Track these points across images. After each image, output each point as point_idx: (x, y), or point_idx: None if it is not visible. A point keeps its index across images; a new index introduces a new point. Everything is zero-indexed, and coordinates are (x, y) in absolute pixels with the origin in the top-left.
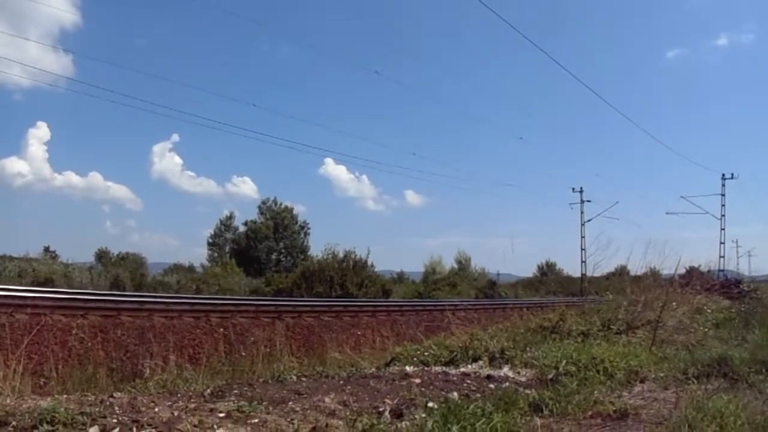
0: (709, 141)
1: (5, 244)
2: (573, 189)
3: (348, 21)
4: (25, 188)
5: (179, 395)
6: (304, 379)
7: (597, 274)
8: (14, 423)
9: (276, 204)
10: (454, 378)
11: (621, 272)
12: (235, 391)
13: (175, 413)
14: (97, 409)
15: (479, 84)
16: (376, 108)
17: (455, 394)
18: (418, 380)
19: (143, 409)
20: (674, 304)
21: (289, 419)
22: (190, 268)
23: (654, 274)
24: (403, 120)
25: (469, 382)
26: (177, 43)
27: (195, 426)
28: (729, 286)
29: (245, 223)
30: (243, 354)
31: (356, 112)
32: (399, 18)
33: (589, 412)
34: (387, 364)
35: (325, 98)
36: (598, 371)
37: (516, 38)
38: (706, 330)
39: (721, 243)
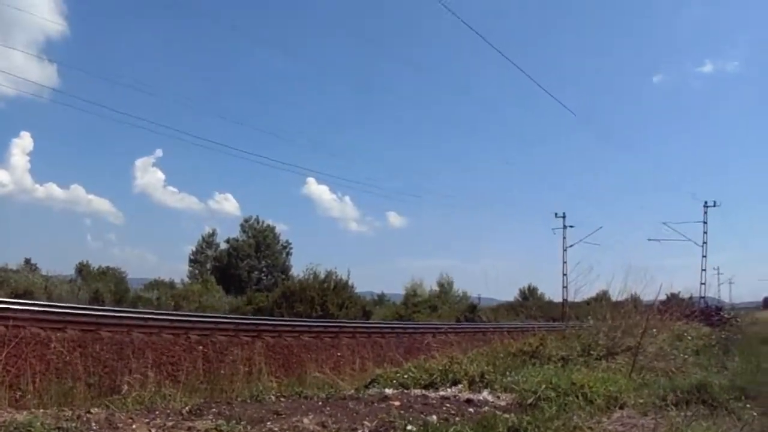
0: (693, 167)
1: None
2: (556, 214)
3: (332, 37)
4: (6, 198)
5: (157, 412)
6: (283, 399)
7: (578, 299)
8: None
9: (258, 222)
10: (434, 401)
11: (602, 298)
12: (214, 410)
13: (153, 431)
14: (74, 425)
15: (465, 104)
16: (361, 128)
17: (434, 417)
18: (397, 403)
19: (120, 425)
20: (654, 330)
21: None
22: (171, 284)
23: (635, 301)
24: (388, 141)
25: (448, 405)
26: (163, 56)
27: None
28: (709, 313)
29: (227, 241)
30: (222, 372)
31: (341, 131)
32: (381, 34)
33: None
34: (366, 386)
35: (311, 116)
36: (577, 396)
37: (501, 60)
38: (686, 357)
39: (702, 270)
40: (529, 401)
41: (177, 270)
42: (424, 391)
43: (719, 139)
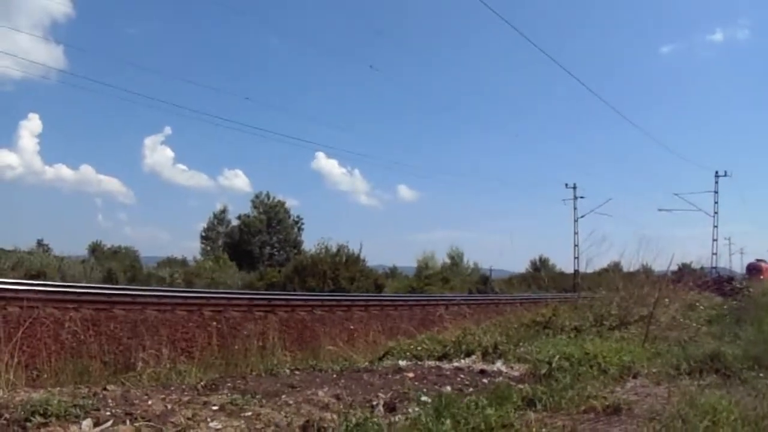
0: (703, 138)
1: None
2: (566, 185)
3: (342, 15)
4: (16, 181)
5: (172, 388)
6: (297, 372)
7: (590, 270)
8: (7, 415)
9: (269, 198)
10: (448, 372)
11: (614, 268)
12: (229, 385)
13: (169, 406)
14: (90, 402)
15: (473, 80)
16: (369, 102)
17: (448, 388)
18: (411, 374)
19: (136, 401)
20: (667, 300)
21: (282, 412)
22: (183, 262)
23: (646, 271)
24: (396, 114)
25: (462, 376)
26: (169, 34)
27: (188, 419)
28: (721, 283)
29: (239, 217)
30: (236, 348)
31: (349, 106)
32: (393, 13)
33: (583, 407)
34: (380, 359)
35: (318, 92)
36: (591, 366)
37: (510, 34)
38: (699, 326)
39: (713, 240)
40: (543, 371)
41: (189, 247)
42: (437, 363)
43: (730, 108)
